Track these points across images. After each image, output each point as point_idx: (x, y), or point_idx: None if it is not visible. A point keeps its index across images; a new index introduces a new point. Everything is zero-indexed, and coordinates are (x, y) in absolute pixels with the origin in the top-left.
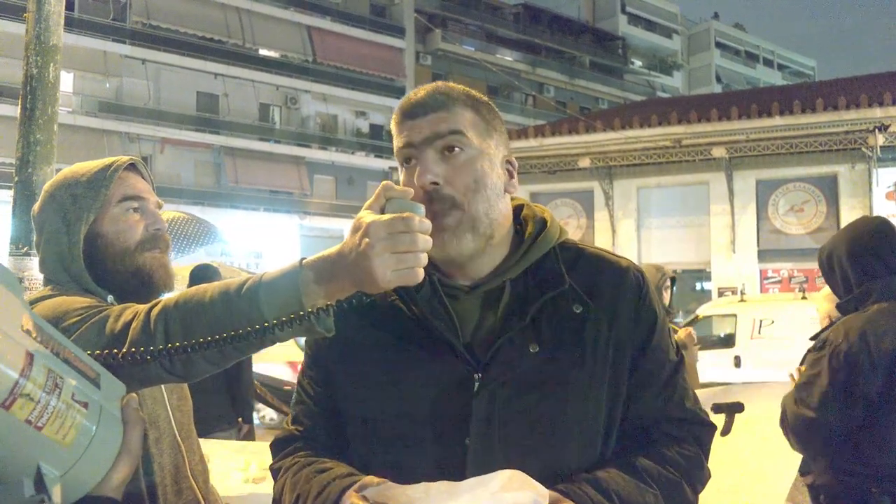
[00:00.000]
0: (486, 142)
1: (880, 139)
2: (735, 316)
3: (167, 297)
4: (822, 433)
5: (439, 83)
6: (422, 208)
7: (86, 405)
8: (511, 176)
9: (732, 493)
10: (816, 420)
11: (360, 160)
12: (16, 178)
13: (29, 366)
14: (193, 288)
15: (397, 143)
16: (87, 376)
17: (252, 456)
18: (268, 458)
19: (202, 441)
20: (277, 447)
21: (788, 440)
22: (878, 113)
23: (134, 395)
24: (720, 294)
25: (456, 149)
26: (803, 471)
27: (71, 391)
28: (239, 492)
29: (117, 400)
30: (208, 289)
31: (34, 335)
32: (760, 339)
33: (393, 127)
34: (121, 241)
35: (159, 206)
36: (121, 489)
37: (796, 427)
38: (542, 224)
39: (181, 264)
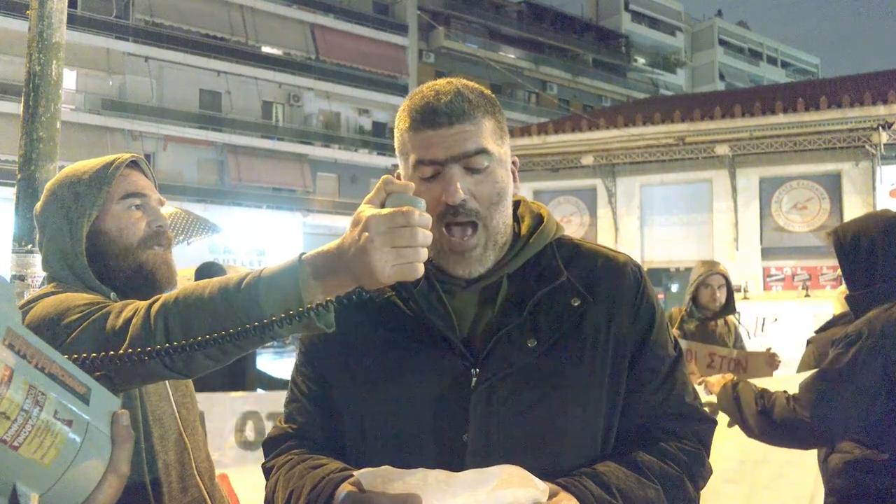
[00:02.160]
0: (502, 148)
1: (884, 137)
2: (738, 314)
3: (168, 293)
4: (820, 436)
5: (454, 83)
6: (422, 203)
7: (70, 423)
8: (514, 177)
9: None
10: (825, 420)
11: (363, 158)
12: (19, 176)
13: (6, 382)
14: (193, 283)
15: (416, 154)
16: (76, 391)
17: (250, 414)
18: (269, 411)
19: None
20: (270, 446)
21: (754, 433)
22: (881, 111)
23: (125, 410)
24: None
25: (482, 165)
26: None
27: (54, 409)
28: (232, 457)
29: (108, 415)
30: (208, 285)
31: (17, 349)
32: (764, 336)
33: (406, 130)
34: (123, 238)
35: (161, 204)
36: None
37: (787, 426)
38: (539, 219)
39: (188, 264)
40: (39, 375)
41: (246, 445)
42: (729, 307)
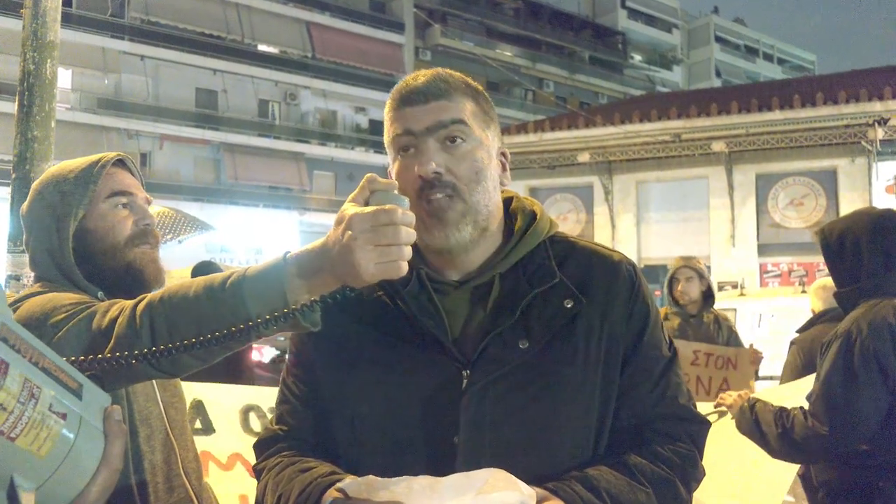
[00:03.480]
0: (485, 132)
1: (880, 133)
2: (735, 310)
3: (154, 292)
4: (844, 444)
5: (438, 69)
6: (406, 201)
7: (64, 416)
8: (504, 168)
9: (730, 491)
10: (842, 433)
11: (360, 156)
12: (13, 175)
13: (2, 375)
14: (179, 282)
15: (394, 130)
16: (68, 387)
17: (251, 407)
18: (270, 405)
19: (192, 384)
20: (261, 447)
21: (771, 449)
22: (877, 107)
23: (117, 406)
24: (720, 288)
25: (458, 139)
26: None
27: (48, 402)
28: (242, 440)
29: (100, 411)
30: (193, 283)
31: (11, 343)
32: (760, 332)
33: (388, 114)
34: (110, 236)
35: (148, 202)
36: (100, 503)
37: (810, 443)
38: (532, 217)
39: (185, 264)
40: (34, 369)
41: (254, 434)
42: (707, 302)
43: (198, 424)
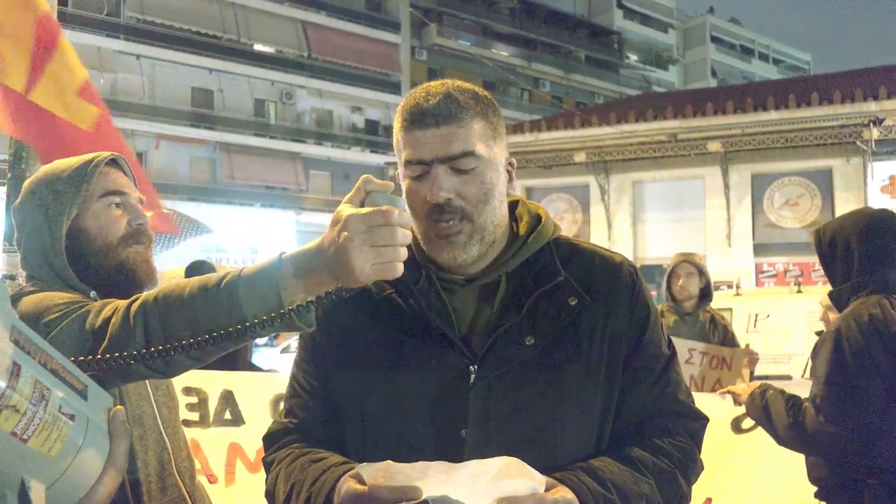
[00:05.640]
0: (493, 149)
1: (875, 133)
2: (731, 310)
3: (148, 292)
4: (846, 439)
5: (448, 84)
6: (402, 202)
7: (72, 417)
8: (510, 178)
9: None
10: (842, 428)
11: (356, 155)
12: (9, 175)
13: (16, 376)
14: (174, 282)
15: (405, 154)
16: (75, 388)
17: (282, 396)
18: None
19: (222, 374)
20: (271, 440)
21: (785, 441)
22: (872, 107)
23: (121, 407)
24: (716, 288)
25: (468, 167)
26: None
27: (58, 403)
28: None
29: (104, 412)
30: (188, 284)
31: (22, 345)
32: (756, 332)
33: (398, 130)
34: (103, 236)
35: (141, 202)
36: (107, 503)
37: (820, 438)
38: (537, 220)
39: (180, 263)
40: (43, 371)
41: None
42: (704, 300)
43: (227, 416)
